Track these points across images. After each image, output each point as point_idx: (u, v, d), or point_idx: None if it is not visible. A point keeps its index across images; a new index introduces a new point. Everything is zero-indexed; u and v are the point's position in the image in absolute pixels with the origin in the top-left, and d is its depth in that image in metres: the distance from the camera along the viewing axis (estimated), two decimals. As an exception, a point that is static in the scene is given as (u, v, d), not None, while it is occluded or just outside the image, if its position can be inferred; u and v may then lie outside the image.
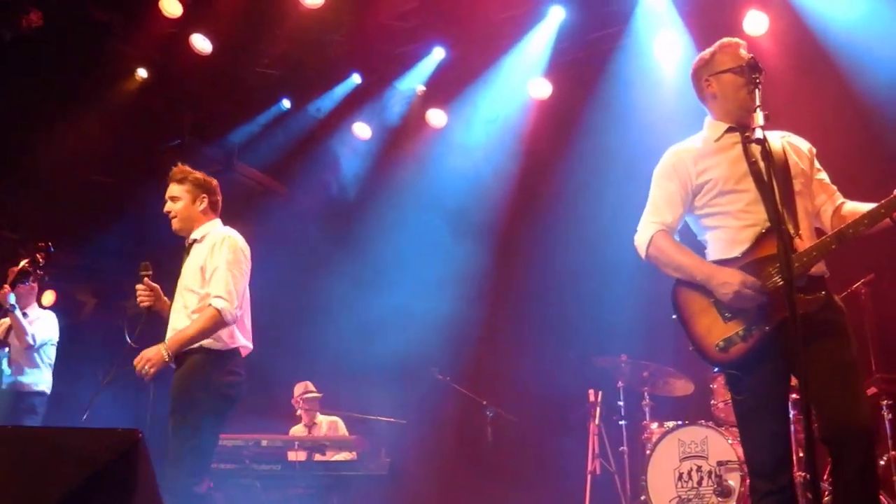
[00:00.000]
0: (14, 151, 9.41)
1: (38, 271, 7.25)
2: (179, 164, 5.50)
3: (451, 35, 8.73)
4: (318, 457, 7.49)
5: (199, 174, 5.50)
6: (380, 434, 8.54)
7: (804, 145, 4.17)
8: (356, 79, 9.38)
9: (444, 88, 9.29)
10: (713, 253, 4.08)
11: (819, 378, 3.68)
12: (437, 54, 8.92)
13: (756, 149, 3.71)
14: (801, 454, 6.12)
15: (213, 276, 5.18)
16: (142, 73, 9.15)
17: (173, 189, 5.42)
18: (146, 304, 5.39)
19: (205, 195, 5.46)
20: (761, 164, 3.72)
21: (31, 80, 8.65)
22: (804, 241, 3.84)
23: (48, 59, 8.52)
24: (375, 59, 9.23)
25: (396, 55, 9.14)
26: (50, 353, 7.99)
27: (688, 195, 4.13)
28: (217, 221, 5.49)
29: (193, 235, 5.41)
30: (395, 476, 7.55)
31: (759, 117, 3.55)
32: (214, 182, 5.57)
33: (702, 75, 4.23)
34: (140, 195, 9.93)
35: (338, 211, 10.75)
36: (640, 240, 4.21)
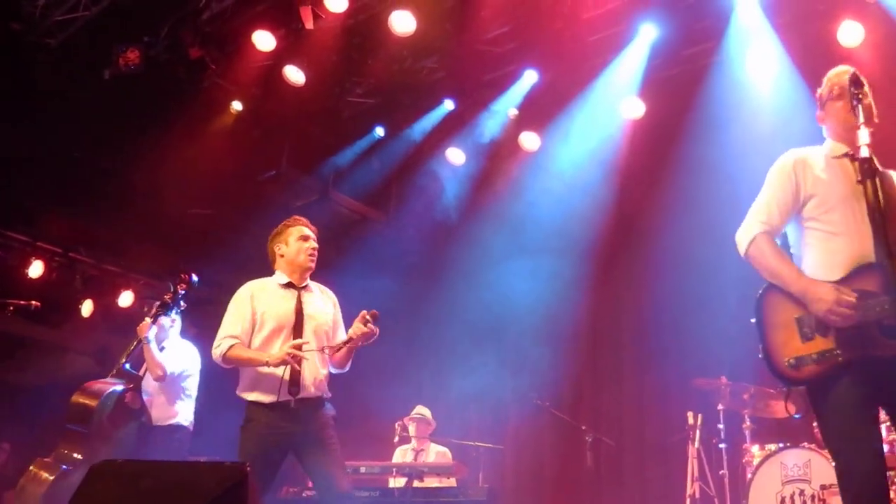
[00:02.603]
0: (115, 186, 9.65)
1: (180, 302, 7.31)
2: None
3: (543, 58, 8.71)
4: (416, 483, 7.47)
5: None
6: (477, 459, 8.52)
7: None
8: (449, 105, 9.44)
9: (537, 111, 9.28)
10: (807, 270, 4.03)
11: None
12: (529, 78, 8.92)
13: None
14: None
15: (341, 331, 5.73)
16: (237, 105, 9.33)
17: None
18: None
19: None
20: (869, 190, 3.66)
21: (130, 115, 8.88)
22: None
23: (146, 95, 8.74)
24: (468, 85, 9.28)
25: (489, 80, 9.17)
26: (189, 385, 7.71)
27: (798, 202, 4.11)
28: None
29: (307, 283, 5.72)
30: (493, 502, 7.50)
31: (863, 134, 3.51)
32: None
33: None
34: (237, 225, 10.12)
35: (436, 236, 10.79)
36: (743, 237, 4.19)
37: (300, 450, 5.38)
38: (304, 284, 5.68)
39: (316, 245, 5.69)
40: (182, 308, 7.39)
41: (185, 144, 9.17)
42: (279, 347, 5.36)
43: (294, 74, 8.78)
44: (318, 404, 5.47)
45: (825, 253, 4.00)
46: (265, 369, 5.31)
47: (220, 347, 5.40)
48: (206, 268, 9.77)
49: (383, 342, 5.42)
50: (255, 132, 9.79)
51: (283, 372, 5.29)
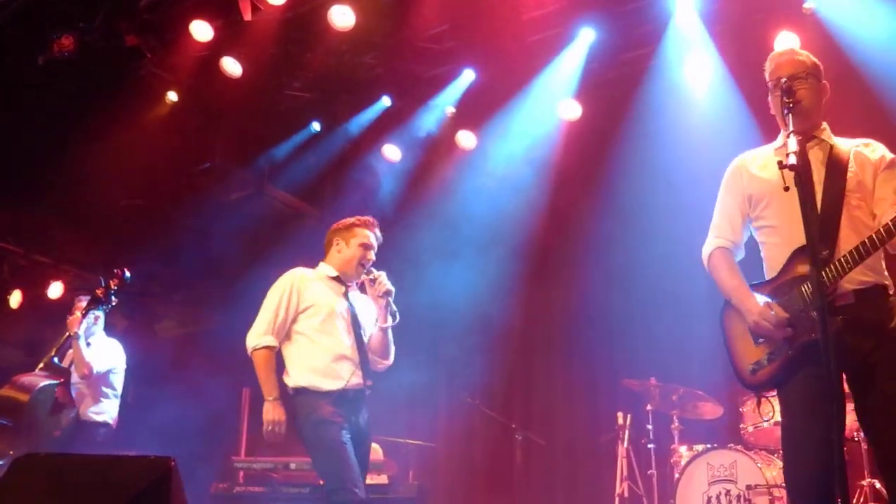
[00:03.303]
0: (46, 175, 9.48)
1: (111, 298, 7.20)
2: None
3: (482, 57, 8.74)
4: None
5: None
6: (408, 456, 8.53)
7: (875, 155, 4.04)
8: (386, 101, 9.43)
9: (475, 110, 9.31)
10: (764, 270, 4.12)
11: (874, 412, 3.67)
12: (468, 76, 8.96)
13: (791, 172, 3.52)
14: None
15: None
16: (172, 96, 9.20)
17: None
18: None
19: None
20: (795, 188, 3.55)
21: (63, 103, 8.73)
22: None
23: (81, 83, 8.59)
24: (406, 81, 9.27)
25: (427, 77, 9.17)
26: (115, 382, 7.68)
27: (745, 205, 4.18)
28: None
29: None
30: (423, 499, 7.51)
31: (791, 142, 3.54)
32: None
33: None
34: (171, 217, 9.98)
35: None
36: (703, 254, 4.31)
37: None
38: (350, 284, 5.70)
39: (374, 259, 5.66)
40: (113, 304, 7.30)
41: (118, 134, 9.00)
42: (336, 337, 5.40)
43: (231, 66, 8.70)
44: (364, 398, 5.50)
45: (771, 249, 4.09)
46: (335, 353, 5.35)
47: (257, 342, 5.36)
48: (137, 260, 9.68)
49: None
50: (190, 123, 9.64)
51: (344, 359, 5.37)
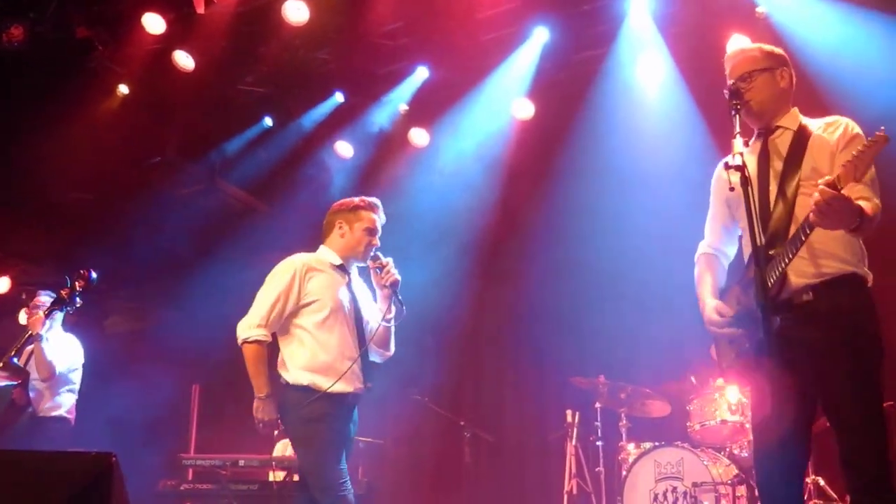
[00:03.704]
0: (-7, 167, 9.36)
1: (76, 299, 7.06)
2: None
3: (436, 55, 8.75)
4: (296, 477, 7.44)
5: None
6: (357, 454, 8.51)
7: (835, 135, 3.91)
8: (339, 97, 9.41)
9: (428, 108, 9.30)
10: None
11: (835, 409, 3.71)
12: (421, 74, 8.96)
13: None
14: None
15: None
16: (123, 89, 9.11)
17: None
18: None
19: None
20: (740, 190, 3.53)
21: (11, 94, 8.62)
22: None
23: (30, 74, 8.49)
24: (360, 78, 9.25)
25: (381, 74, 9.15)
26: (74, 378, 7.65)
27: (724, 210, 4.24)
28: None
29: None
30: (371, 496, 7.51)
31: (737, 143, 3.55)
32: None
33: None
34: (121, 212, 9.88)
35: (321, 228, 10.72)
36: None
37: None
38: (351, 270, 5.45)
39: (379, 244, 5.38)
40: (78, 305, 7.18)
41: (68, 126, 8.90)
42: (340, 335, 5.14)
43: (183, 59, 8.63)
44: (359, 401, 5.31)
45: (745, 250, 4.12)
46: (337, 353, 5.10)
47: (248, 334, 5.02)
48: (86, 254, 9.58)
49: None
50: (141, 117, 9.53)
51: (346, 359, 5.11)
